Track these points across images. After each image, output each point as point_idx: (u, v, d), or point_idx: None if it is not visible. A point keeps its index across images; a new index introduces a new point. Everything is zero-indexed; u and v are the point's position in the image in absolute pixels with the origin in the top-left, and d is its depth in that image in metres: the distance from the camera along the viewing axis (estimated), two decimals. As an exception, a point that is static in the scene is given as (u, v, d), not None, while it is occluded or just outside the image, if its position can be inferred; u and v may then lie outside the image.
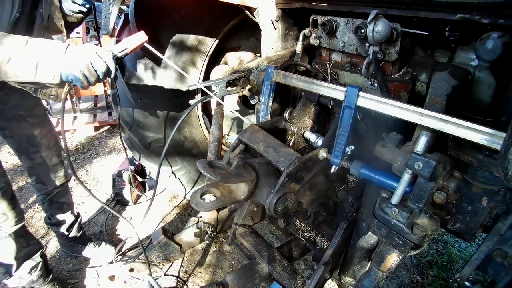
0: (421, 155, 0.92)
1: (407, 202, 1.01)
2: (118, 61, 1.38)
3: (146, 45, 1.48)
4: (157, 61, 2.05)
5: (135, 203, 3.10)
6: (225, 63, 2.32)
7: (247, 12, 1.87)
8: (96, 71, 1.27)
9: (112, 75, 1.34)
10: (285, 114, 1.66)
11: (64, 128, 1.42)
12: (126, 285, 1.87)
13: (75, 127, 4.35)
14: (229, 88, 1.86)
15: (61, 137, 1.43)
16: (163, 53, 2.02)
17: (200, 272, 2.41)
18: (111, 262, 1.97)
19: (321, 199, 1.51)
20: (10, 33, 1.22)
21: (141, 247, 1.87)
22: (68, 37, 1.87)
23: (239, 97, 2.56)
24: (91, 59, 1.25)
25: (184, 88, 2.17)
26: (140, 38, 1.43)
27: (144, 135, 2.24)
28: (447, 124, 1.00)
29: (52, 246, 2.60)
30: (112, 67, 1.31)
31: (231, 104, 2.50)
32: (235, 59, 2.26)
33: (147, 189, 3.24)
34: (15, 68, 1.19)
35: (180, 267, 2.42)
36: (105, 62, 1.28)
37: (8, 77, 1.21)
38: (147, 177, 3.28)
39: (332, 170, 1.33)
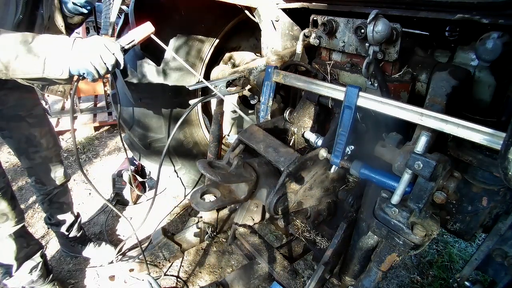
0: (421, 155, 0.92)
1: (407, 202, 1.01)
2: (126, 52, 1.38)
3: (153, 36, 1.46)
4: (158, 61, 2.05)
5: (135, 203, 3.10)
6: (225, 63, 2.32)
7: (247, 12, 1.87)
8: (105, 63, 1.28)
9: (121, 67, 1.36)
10: (285, 114, 1.66)
11: (73, 127, 1.45)
12: (126, 285, 1.87)
13: (75, 127, 4.35)
14: (229, 88, 1.86)
15: (61, 137, 1.42)
16: (163, 53, 2.03)
17: (200, 272, 2.41)
18: (111, 262, 1.98)
19: (321, 199, 1.51)
20: None
21: (141, 247, 1.87)
22: None
23: (239, 97, 2.56)
24: (100, 52, 1.26)
25: (184, 88, 2.17)
26: (146, 29, 1.42)
27: (144, 135, 2.24)
28: (447, 124, 1.00)
29: (52, 246, 2.60)
30: (121, 59, 1.33)
31: (231, 104, 2.50)
32: (235, 59, 2.26)
33: (147, 189, 3.24)
34: (23, 65, 1.19)
35: (180, 267, 2.42)
36: (113, 54, 1.29)
37: (16, 74, 1.21)
38: (147, 177, 3.28)
39: (332, 170, 1.33)
